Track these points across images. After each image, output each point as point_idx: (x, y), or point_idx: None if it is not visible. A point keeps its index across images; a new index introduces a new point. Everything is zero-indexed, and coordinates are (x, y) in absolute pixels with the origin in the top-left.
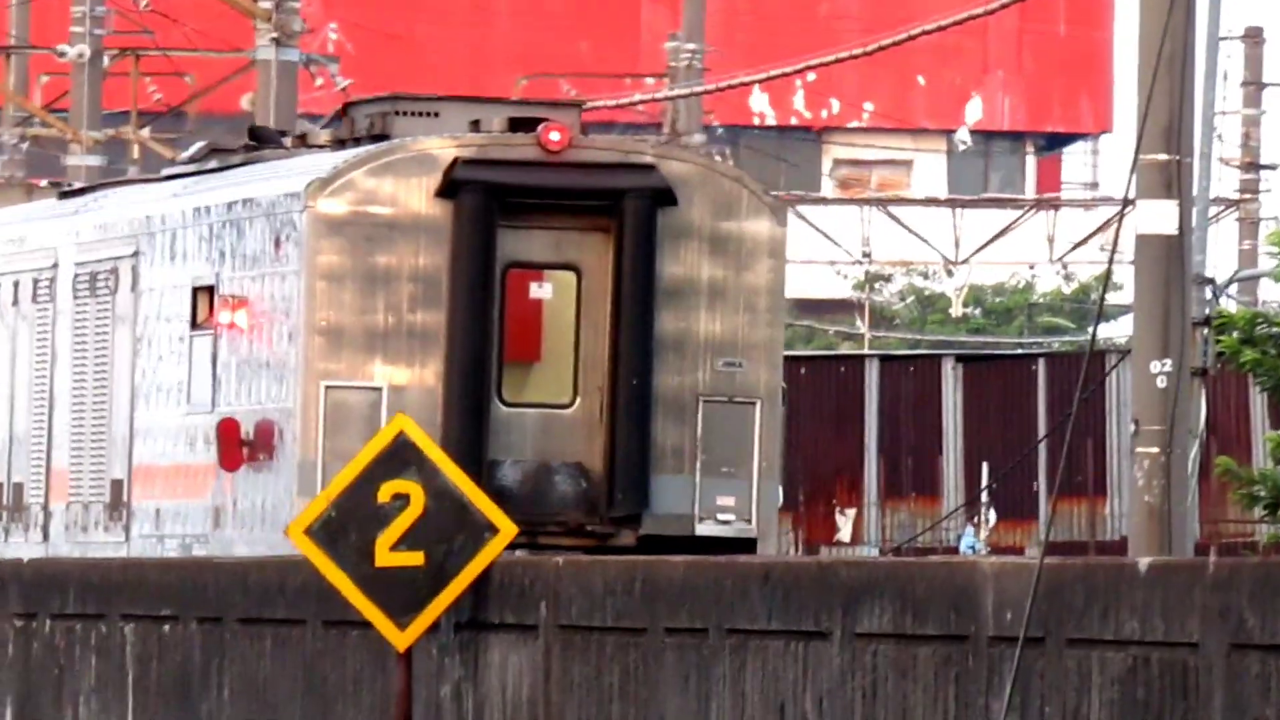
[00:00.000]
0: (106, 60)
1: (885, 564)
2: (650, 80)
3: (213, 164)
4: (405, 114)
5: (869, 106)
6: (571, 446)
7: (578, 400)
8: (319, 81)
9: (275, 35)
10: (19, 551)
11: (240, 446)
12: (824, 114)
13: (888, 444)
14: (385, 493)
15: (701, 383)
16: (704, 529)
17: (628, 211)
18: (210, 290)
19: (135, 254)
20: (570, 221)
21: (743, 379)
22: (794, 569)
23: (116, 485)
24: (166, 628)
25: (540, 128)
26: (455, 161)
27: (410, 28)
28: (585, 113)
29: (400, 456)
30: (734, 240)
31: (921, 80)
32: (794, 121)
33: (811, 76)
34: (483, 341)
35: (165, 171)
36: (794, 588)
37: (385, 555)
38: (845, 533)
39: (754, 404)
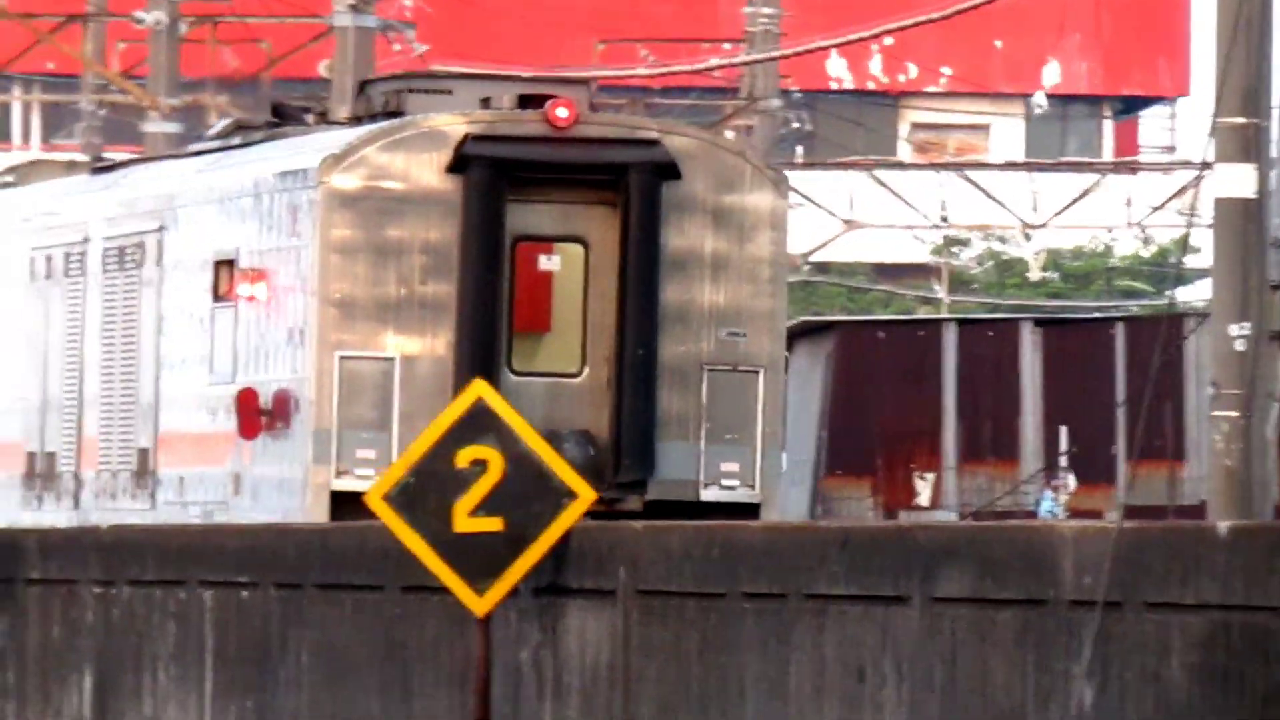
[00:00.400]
0: (184, 27)
1: (964, 528)
2: (727, 45)
3: (237, 140)
4: (419, 92)
5: (946, 71)
6: (579, 414)
7: (585, 369)
8: (396, 47)
9: (352, 1)
10: (53, 519)
11: (259, 415)
12: (901, 78)
13: (966, 408)
14: (463, 458)
15: (705, 352)
16: (708, 494)
17: (632, 185)
18: (231, 263)
19: (160, 228)
20: (577, 195)
21: (746, 348)
22: (872, 534)
23: (143, 454)
24: (245, 593)
25: (547, 104)
26: (465, 138)
27: None
28: (664, 77)
29: (478, 422)
30: (736, 213)
31: (999, 44)
32: (871, 86)
33: (889, 41)
34: (492, 312)
35: (192, 148)
36: (873, 552)
37: (464, 521)
38: (924, 497)
39: (757, 373)
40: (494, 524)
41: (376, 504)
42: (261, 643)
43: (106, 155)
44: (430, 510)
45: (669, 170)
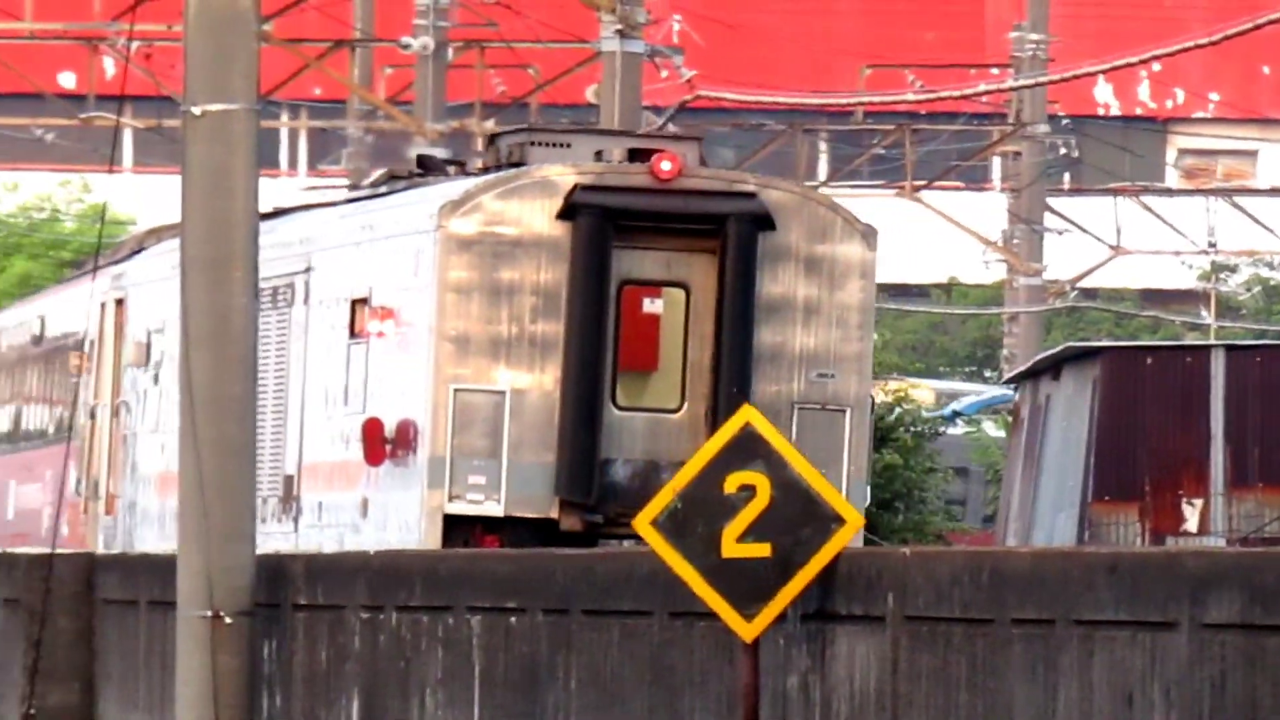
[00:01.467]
0: (450, 53)
1: (1232, 554)
2: (995, 70)
3: (383, 189)
4: (540, 144)
5: (1214, 96)
6: (679, 447)
7: (685, 405)
8: (664, 74)
9: (619, 27)
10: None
11: (383, 444)
12: (1169, 104)
13: (1234, 434)
14: (731, 484)
15: (796, 391)
16: None
17: (730, 234)
18: (365, 302)
19: (307, 270)
20: (680, 243)
21: (834, 389)
22: (1141, 559)
23: (289, 480)
24: (513, 619)
25: (653, 158)
26: (575, 187)
27: (754, 18)
28: (931, 103)
29: (746, 448)
30: (827, 262)
31: (1266, 70)
32: (1138, 111)
33: (1156, 67)
34: (597, 349)
35: (345, 197)
36: (1141, 578)
37: (732, 546)
38: (1192, 523)
39: (844, 411)
40: (762, 549)
41: (645, 530)
42: (529, 668)
43: (308, 194)
44: (698, 536)
45: (765, 221)
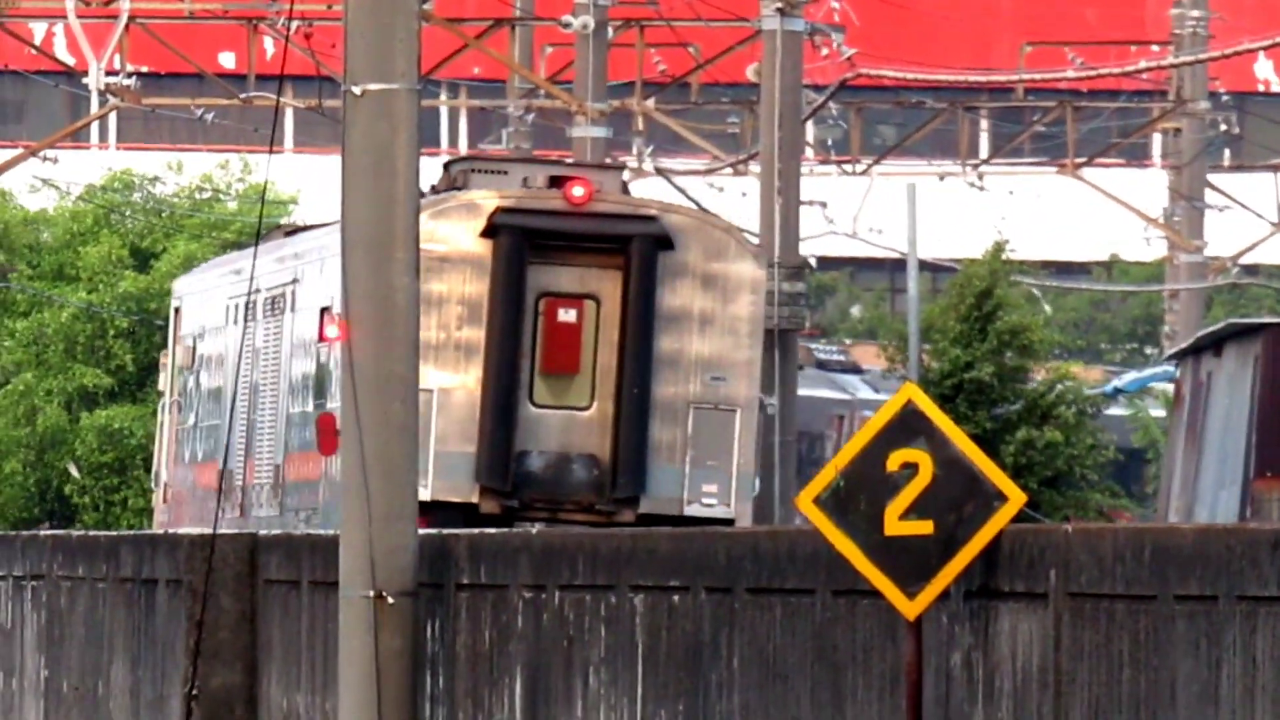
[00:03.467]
0: (611, 31)
1: None
2: (1155, 47)
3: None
4: (480, 171)
5: None
6: (588, 441)
7: (594, 403)
8: (824, 52)
9: (780, 5)
10: (233, 524)
11: (335, 435)
12: None
13: None
14: (894, 461)
15: (693, 393)
16: (691, 510)
17: (634, 253)
18: (329, 310)
19: (294, 281)
20: (592, 260)
21: (726, 391)
22: None
23: (277, 469)
24: (675, 598)
25: (566, 184)
26: (496, 209)
27: None
28: (1091, 80)
29: (909, 425)
30: (721, 279)
31: None
32: None
33: None
34: (514, 353)
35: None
36: None
37: (894, 524)
38: None
39: (735, 411)
40: (924, 527)
41: (807, 507)
42: (693, 647)
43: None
44: (861, 513)
45: (665, 242)
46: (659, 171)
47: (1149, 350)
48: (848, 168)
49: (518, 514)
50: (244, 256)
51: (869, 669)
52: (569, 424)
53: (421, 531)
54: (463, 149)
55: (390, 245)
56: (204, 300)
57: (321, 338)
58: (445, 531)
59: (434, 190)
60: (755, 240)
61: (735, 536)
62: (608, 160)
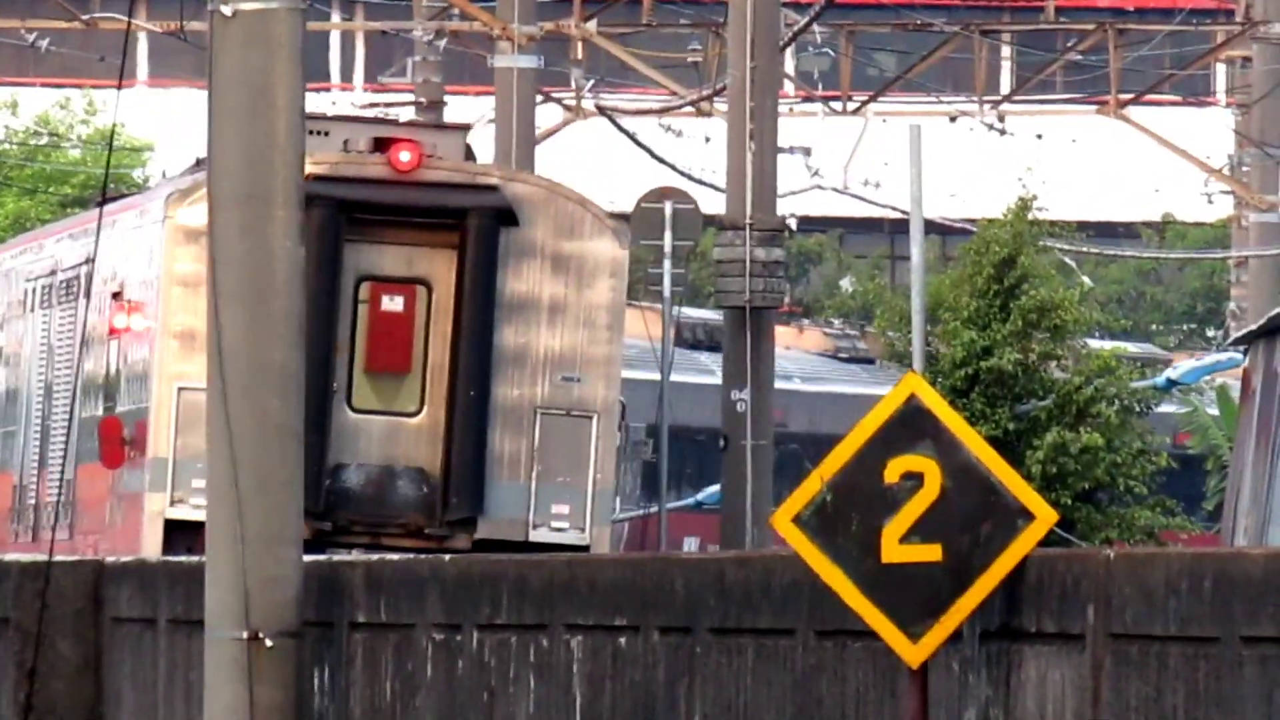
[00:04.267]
0: None
1: None
2: None
3: (186, 178)
4: None
5: None
6: (416, 452)
7: (425, 408)
8: None
9: None
10: (17, 554)
11: (122, 445)
12: None
13: None
14: (893, 471)
15: (540, 395)
16: (537, 535)
17: (471, 229)
18: (120, 296)
19: (87, 261)
20: (421, 238)
21: (580, 393)
22: None
23: (69, 484)
24: (623, 640)
25: (391, 148)
26: (307, 177)
27: None
28: None
29: (911, 426)
30: (575, 259)
31: None
32: None
33: None
34: (328, 347)
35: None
36: None
37: (894, 548)
38: None
39: (591, 417)
40: (931, 552)
41: (785, 528)
42: (644, 702)
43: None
44: (852, 536)
45: (507, 216)
46: (601, 111)
47: (1211, 332)
48: (836, 105)
49: (331, 539)
50: (52, 230)
51: None
52: (394, 432)
53: (308, 558)
54: (358, 84)
55: (268, 201)
56: (2, 283)
57: (110, 330)
58: (336, 558)
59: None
60: (613, 216)
61: (696, 564)
62: (448, 123)
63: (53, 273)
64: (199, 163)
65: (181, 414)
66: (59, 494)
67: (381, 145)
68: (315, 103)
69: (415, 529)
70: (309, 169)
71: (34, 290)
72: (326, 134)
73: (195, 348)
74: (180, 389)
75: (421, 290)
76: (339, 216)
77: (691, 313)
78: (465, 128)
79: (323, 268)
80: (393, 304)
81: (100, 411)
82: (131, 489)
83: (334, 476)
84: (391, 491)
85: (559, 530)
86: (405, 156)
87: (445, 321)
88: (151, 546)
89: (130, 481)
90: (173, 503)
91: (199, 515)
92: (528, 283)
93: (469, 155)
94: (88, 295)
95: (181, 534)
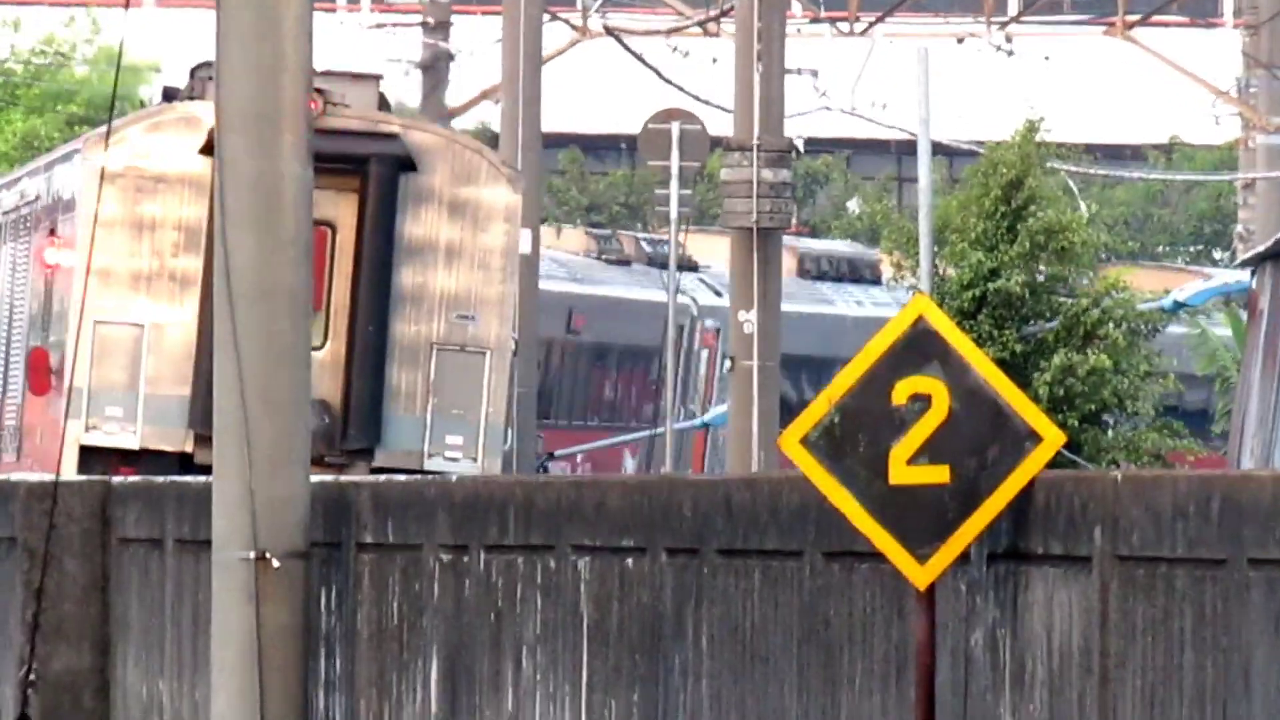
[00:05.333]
0: None
1: None
2: None
3: (144, 113)
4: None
5: None
6: (319, 385)
7: (327, 343)
8: None
9: None
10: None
11: (48, 374)
12: None
13: None
14: (901, 393)
15: (436, 332)
16: (432, 464)
17: (371, 175)
18: (54, 232)
19: (37, 198)
20: (325, 182)
21: (475, 331)
22: None
23: (15, 409)
24: (630, 561)
25: None
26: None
27: None
28: None
29: (919, 348)
30: (471, 205)
31: None
32: None
33: None
34: None
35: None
36: None
37: (901, 470)
38: None
39: (484, 354)
40: (939, 474)
41: (793, 449)
42: (651, 622)
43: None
44: (860, 457)
45: (407, 163)
46: (609, 31)
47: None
48: (844, 27)
49: None
50: (36, 162)
51: (870, 649)
52: None
53: (316, 479)
54: (365, 4)
55: (276, 124)
56: None
57: (44, 265)
58: (344, 479)
59: (180, 97)
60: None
61: (703, 486)
62: (362, 72)
63: (17, 207)
64: (193, 74)
65: (97, 347)
66: (16, 419)
67: None
68: (322, 23)
69: (316, 457)
70: None
71: (5, 223)
72: None
73: (112, 284)
74: (96, 323)
75: (326, 232)
76: None
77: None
78: (377, 77)
79: None
80: None
81: (35, 343)
82: (54, 416)
83: None
84: None
85: (453, 460)
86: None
87: (347, 262)
88: (69, 469)
89: (54, 409)
90: (87, 429)
91: (111, 441)
92: (426, 226)
93: (383, 104)
94: (36, 230)
95: (96, 458)
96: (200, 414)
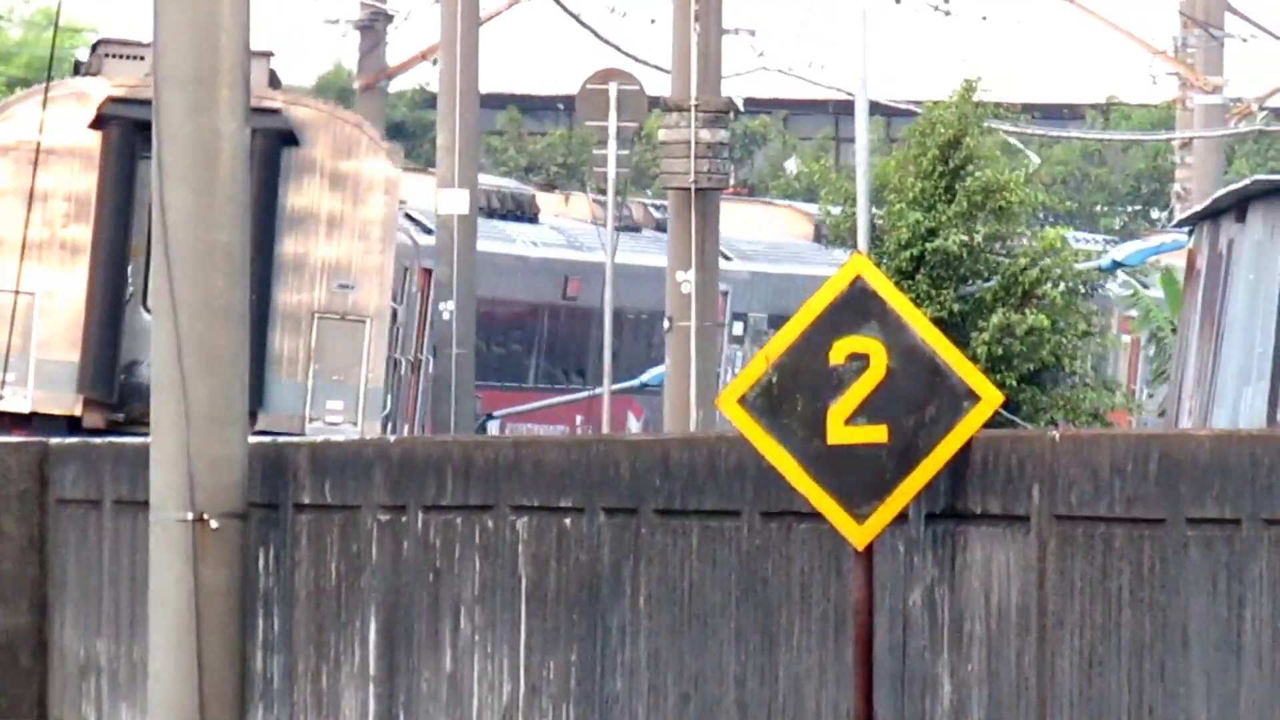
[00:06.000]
0: None
1: None
2: None
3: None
4: (116, 56)
5: None
6: None
7: None
8: None
9: None
10: None
11: None
12: None
13: None
14: (839, 352)
15: (318, 301)
16: (313, 429)
17: (255, 149)
18: None
19: None
20: None
21: (355, 299)
22: None
23: None
24: (568, 521)
25: None
26: (106, 99)
27: None
28: None
29: (857, 307)
30: (351, 178)
31: None
32: None
33: None
34: (123, 255)
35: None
36: None
37: (839, 430)
38: None
39: (364, 321)
40: (877, 433)
41: (731, 409)
42: (589, 582)
43: None
44: (798, 416)
45: (289, 137)
46: None
47: (1155, 214)
48: None
49: (124, 428)
50: None
51: (807, 608)
52: None
53: (253, 439)
54: None
55: (213, 82)
56: None
57: None
58: (282, 439)
59: (83, 72)
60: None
61: (641, 445)
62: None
63: None
64: (93, 50)
65: None
66: None
67: None
68: None
69: None
70: (110, 91)
71: None
72: (142, 58)
73: (4, 253)
74: None
75: None
76: (134, 135)
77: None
78: (268, 54)
79: (119, 183)
80: None
81: None
82: None
83: (129, 372)
84: None
85: (333, 425)
86: None
87: None
88: None
89: None
90: None
91: (2, 405)
92: (307, 198)
93: (274, 81)
94: None
95: None
96: (88, 378)
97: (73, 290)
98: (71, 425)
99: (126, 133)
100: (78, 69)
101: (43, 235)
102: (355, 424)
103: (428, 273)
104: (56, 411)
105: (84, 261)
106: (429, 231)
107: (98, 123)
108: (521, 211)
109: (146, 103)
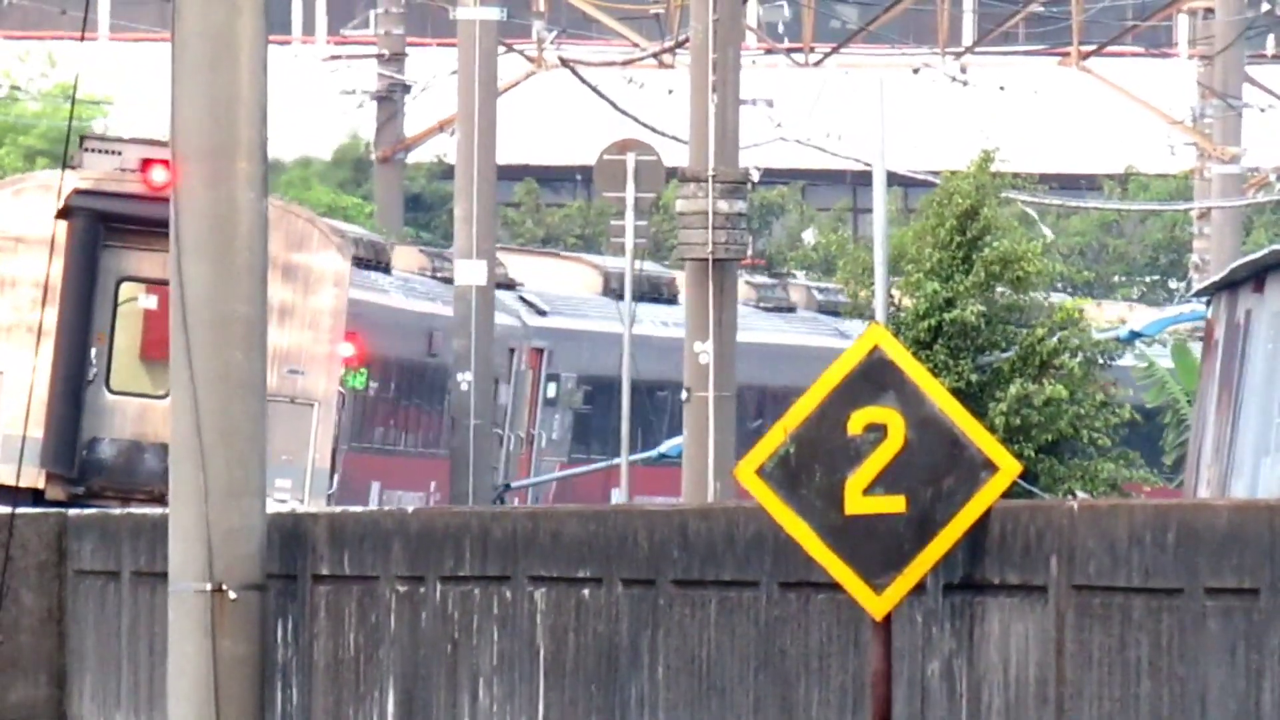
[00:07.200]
0: None
1: None
2: None
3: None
4: (94, 150)
5: None
6: (162, 429)
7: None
8: None
9: None
10: None
11: None
12: None
13: None
14: (857, 423)
15: (269, 385)
16: None
17: None
18: None
19: None
20: (165, 246)
21: (304, 384)
22: None
23: None
24: (585, 592)
25: (145, 168)
26: (73, 191)
27: None
28: None
29: (875, 378)
30: (303, 270)
31: None
32: None
33: None
34: (85, 337)
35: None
36: None
37: (857, 500)
38: None
39: (312, 405)
40: (895, 504)
41: (749, 479)
42: (607, 653)
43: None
44: (816, 487)
45: None
46: (564, 63)
47: (1173, 284)
48: (799, 58)
49: (84, 502)
50: None
51: (826, 679)
52: (144, 412)
53: (271, 511)
54: (320, 36)
55: (231, 155)
56: None
57: None
58: (300, 511)
59: (73, 167)
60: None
61: (659, 516)
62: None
63: None
64: (81, 143)
65: None
66: None
67: (148, 164)
68: (276, 55)
69: (159, 495)
70: (76, 184)
71: None
72: (119, 153)
73: None
74: None
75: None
76: (98, 226)
77: None
78: None
79: (83, 270)
80: (146, 302)
81: None
82: None
83: (90, 448)
84: (139, 462)
85: (281, 502)
86: (158, 177)
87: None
88: None
89: None
90: None
91: None
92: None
93: None
94: None
95: None
96: (51, 453)
97: (39, 370)
98: (35, 497)
99: (90, 223)
100: (81, 143)
101: (12, 319)
102: (302, 501)
103: (539, 352)
104: (20, 484)
105: (49, 343)
106: (542, 314)
107: (64, 213)
108: (658, 294)
109: (110, 195)
